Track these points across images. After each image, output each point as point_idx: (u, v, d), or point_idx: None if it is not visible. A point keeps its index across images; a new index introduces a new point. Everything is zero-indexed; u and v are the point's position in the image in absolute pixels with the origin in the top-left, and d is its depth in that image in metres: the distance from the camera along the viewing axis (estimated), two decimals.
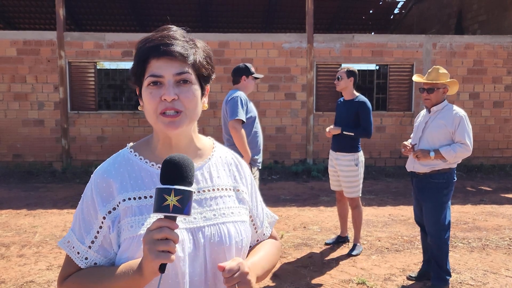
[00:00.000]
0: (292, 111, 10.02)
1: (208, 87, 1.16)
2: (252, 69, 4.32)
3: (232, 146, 4.03)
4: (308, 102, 9.96)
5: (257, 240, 1.31)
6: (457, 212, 6.38)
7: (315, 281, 3.97)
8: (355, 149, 4.63)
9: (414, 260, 4.45)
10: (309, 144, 10.04)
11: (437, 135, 3.66)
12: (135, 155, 1.15)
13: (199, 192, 1.13)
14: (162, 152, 1.13)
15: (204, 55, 1.11)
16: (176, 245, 0.95)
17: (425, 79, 3.73)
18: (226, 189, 1.18)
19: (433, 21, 15.11)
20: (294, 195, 7.74)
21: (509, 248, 4.85)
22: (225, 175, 1.20)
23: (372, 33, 17.85)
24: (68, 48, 9.57)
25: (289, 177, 9.33)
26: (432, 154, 3.59)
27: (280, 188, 8.39)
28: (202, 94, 1.13)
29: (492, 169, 9.97)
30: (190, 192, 0.93)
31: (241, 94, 4.09)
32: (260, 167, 4.31)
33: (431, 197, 3.68)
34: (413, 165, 3.79)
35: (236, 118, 3.95)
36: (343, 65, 5.65)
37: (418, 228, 4.72)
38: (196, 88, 1.09)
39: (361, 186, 4.68)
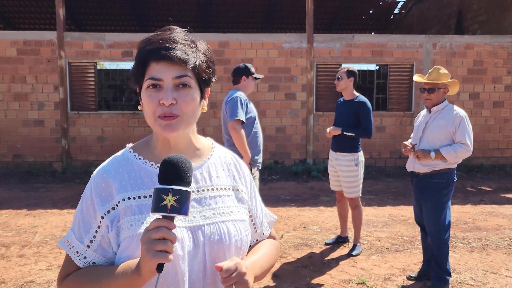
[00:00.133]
0: (292, 111, 10.02)
1: (208, 90, 1.16)
2: (252, 69, 4.31)
3: (232, 146, 4.03)
4: (308, 102, 9.97)
5: (256, 240, 1.31)
6: (457, 212, 6.38)
7: (315, 281, 3.97)
8: (355, 149, 4.63)
9: (414, 260, 4.45)
10: (309, 144, 10.04)
11: (438, 135, 3.66)
12: (135, 155, 1.15)
13: (198, 191, 1.14)
14: (161, 153, 1.14)
15: (205, 58, 1.11)
16: (176, 243, 0.95)
17: (426, 79, 3.73)
18: (225, 189, 1.19)
19: (433, 21, 15.11)
20: (294, 195, 7.74)
21: (509, 248, 4.85)
22: (224, 175, 1.21)
23: (372, 33, 17.85)
24: (68, 48, 9.57)
25: (289, 177, 9.33)
26: (432, 154, 3.59)
27: (280, 188, 8.39)
28: (202, 97, 1.13)
29: (492, 169, 9.97)
30: (188, 192, 0.93)
31: (241, 95, 4.08)
32: (260, 167, 4.31)
33: (431, 197, 3.68)
34: (413, 165, 3.79)
35: (236, 118, 3.95)
36: (343, 65, 5.65)
37: (418, 228, 4.72)
38: (195, 92, 1.09)
39: (361, 186, 4.68)
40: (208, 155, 1.21)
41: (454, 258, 4.48)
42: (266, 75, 9.63)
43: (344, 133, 4.57)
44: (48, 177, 9.15)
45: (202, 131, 9.35)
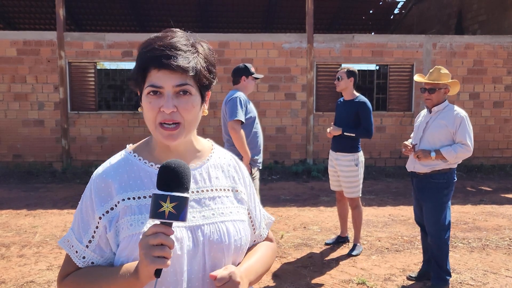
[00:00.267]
0: (292, 111, 10.02)
1: (209, 93, 1.16)
2: (252, 69, 4.30)
3: (232, 146, 4.03)
4: (308, 102, 9.97)
5: (254, 241, 1.32)
6: (457, 212, 6.38)
7: (315, 281, 3.97)
8: (355, 149, 4.63)
9: (414, 260, 4.45)
10: (309, 144, 10.04)
11: (438, 135, 3.66)
12: (135, 155, 1.16)
13: (197, 192, 1.14)
14: (161, 154, 1.15)
15: (206, 63, 1.11)
16: (175, 243, 0.95)
17: (427, 79, 3.73)
18: (224, 190, 1.19)
19: (433, 21, 15.11)
20: (294, 195, 7.74)
21: (509, 248, 4.85)
22: (223, 176, 1.21)
23: (372, 33, 17.85)
24: (68, 48, 9.57)
25: (289, 177, 9.33)
26: (433, 154, 3.59)
27: (280, 188, 8.39)
28: (203, 101, 1.13)
29: (492, 169, 9.97)
30: (186, 199, 0.94)
31: (240, 95, 4.08)
32: (260, 167, 4.30)
33: (431, 197, 3.68)
34: (413, 165, 3.79)
35: (235, 118, 3.95)
36: (343, 65, 5.65)
37: (418, 228, 4.72)
38: (196, 98, 1.09)
39: (361, 186, 4.68)
40: (207, 156, 1.21)
41: (454, 258, 4.48)
42: (266, 75, 9.63)
43: (345, 133, 4.57)
44: (48, 177, 9.15)
45: (202, 132, 9.36)
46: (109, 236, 1.09)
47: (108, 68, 14.77)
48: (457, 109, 3.68)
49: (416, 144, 3.80)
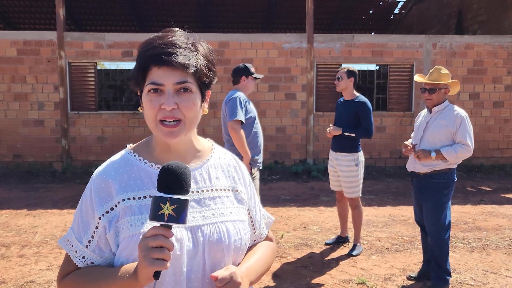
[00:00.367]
0: (292, 111, 10.02)
1: (209, 92, 1.16)
2: (252, 69, 4.30)
3: (232, 146, 4.03)
4: (308, 102, 9.97)
5: (254, 241, 1.32)
6: (457, 212, 6.38)
7: (315, 281, 3.97)
8: (355, 149, 4.63)
9: (414, 260, 4.45)
10: (309, 144, 10.04)
11: (438, 135, 3.66)
12: (135, 156, 1.16)
13: (197, 192, 1.14)
14: (161, 154, 1.15)
15: (206, 62, 1.11)
16: (175, 243, 0.95)
17: (427, 79, 3.73)
18: (224, 190, 1.19)
19: (433, 21, 15.11)
20: (294, 195, 7.74)
21: (509, 248, 4.85)
22: (223, 176, 1.21)
23: (372, 33, 17.85)
24: (68, 48, 9.57)
25: (289, 177, 9.33)
26: (433, 154, 3.59)
27: (280, 188, 8.39)
28: (203, 100, 1.14)
29: (492, 169, 9.97)
30: (186, 201, 0.94)
31: (240, 95, 4.08)
32: (260, 167, 4.30)
33: (431, 197, 3.68)
34: (413, 165, 3.79)
35: (235, 119, 3.95)
36: (343, 65, 5.65)
37: (418, 228, 4.72)
38: (196, 96, 1.09)
39: (361, 186, 4.68)
40: (207, 156, 1.21)
41: (454, 258, 4.48)
42: (266, 75, 9.63)
43: (345, 133, 4.57)
44: (48, 177, 9.15)
45: (202, 131, 9.36)
46: (108, 236, 1.09)
47: (108, 68, 14.76)
48: (457, 109, 3.68)
49: (416, 144, 3.80)
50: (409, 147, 3.80)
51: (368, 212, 6.33)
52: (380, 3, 15.89)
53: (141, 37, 9.42)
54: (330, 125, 4.80)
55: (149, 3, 14.87)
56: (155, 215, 0.92)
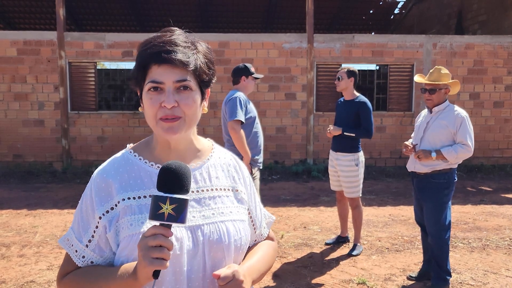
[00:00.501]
0: (292, 111, 10.02)
1: (208, 90, 1.17)
2: (252, 69, 4.30)
3: (232, 146, 4.03)
4: (308, 102, 9.97)
5: (255, 241, 1.32)
6: (457, 212, 6.38)
7: (315, 281, 3.97)
8: (355, 149, 4.63)
9: (414, 260, 4.45)
10: (309, 144, 10.04)
11: (439, 135, 3.66)
12: (135, 155, 1.16)
13: (197, 191, 1.14)
14: (161, 154, 1.15)
15: (205, 60, 1.11)
16: (175, 242, 0.95)
17: (427, 80, 3.72)
18: (224, 189, 1.19)
19: (433, 21, 15.11)
20: (294, 195, 7.74)
21: (509, 248, 4.85)
22: (223, 176, 1.21)
23: (372, 33, 17.85)
24: (68, 48, 9.58)
25: (289, 177, 9.33)
26: (433, 154, 3.59)
27: (281, 188, 8.39)
28: (203, 98, 1.14)
29: (492, 169, 9.97)
30: (186, 201, 0.94)
31: (240, 95, 4.08)
32: (261, 167, 4.30)
33: (431, 197, 3.67)
34: (414, 165, 3.79)
35: (235, 119, 3.95)
36: (343, 65, 5.64)
37: (418, 228, 4.72)
38: (196, 94, 1.10)
39: (361, 186, 4.68)
40: (208, 156, 1.22)
41: (455, 258, 4.48)
42: (266, 75, 9.63)
43: (345, 133, 4.57)
44: (49, 177, 9.15)
45: (203, 131, 9.36)
46: (109, 236, 1.09)
47: (108, 68, 14.78)
48: (458, 109, 3.68)
49: (417, 144, 3.80)
50: (410, 147, 3.80)
51: (368, 212, 6.33)
52: (380, 3, 15.89)
53: (141, 37, 9.42)
54: (330, 125, 4.80)
55: (149, 3, 14.87)
56: (155, 214, 0.92)
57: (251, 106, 4.19)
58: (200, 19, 16.10)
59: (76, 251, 1.12)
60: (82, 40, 9.65)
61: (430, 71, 3.79)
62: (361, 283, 3.88)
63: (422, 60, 10.04)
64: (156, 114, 1.07)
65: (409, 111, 10.18)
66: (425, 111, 3.91)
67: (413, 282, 3.92)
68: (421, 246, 4.23)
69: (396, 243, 5.01)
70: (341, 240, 4.99)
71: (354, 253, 4.60)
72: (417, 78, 3.84)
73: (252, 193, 1.29)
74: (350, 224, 5.18)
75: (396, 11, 16.79)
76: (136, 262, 0.99)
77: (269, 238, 1.37)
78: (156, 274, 0.93)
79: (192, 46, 1.09)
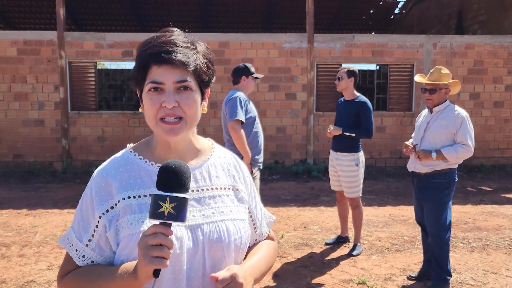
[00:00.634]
0: (293, 111, 10.01)
1: (208, 90, 1.17)
2: (252, 69, 4.30)
3: (232, 146, 4.03)
4: (308, 102, 9.96)
5: (255, 240, 1.32)
6: (457, 212, 6.38)
7: (315, 281, 3.97)
8: (355, 149, 4.62)
9: (414, 260, 4.45)
10: (310, 144, 10.03)
11: (439, 135, 3.66)
12: (135, 155, 1.16)
13: (197, 190, 1.14)
14: (161, 153, 1.16)
15: (205, 60, 1.12)
16: (175, 241, 0.95)
17: (427, 80, 3.72)
18: (224, 189, 1.19)
19: (434, 21, 15.11)
20: (294, 195, 7.74)
21: (510, 248, 4.85)
22: (223, 175, 1.21)
23: (373, 33, 17.85)
24: (68, 48, 9.58)
25: (289, 177, 9.33)
26: (434, 154, 3.59)
27: (281, 188, 8.39)
28: (202, 98, 1.14)
29: (493, 169, 9.97)
30: (185, 200, 0.94)
31: (240, 95, 4.08)
32: (261, 167, 4.30)
33: (432, 197, 3.67)
34: (414, 165, 3.79)
35: (235, 118, 3.95)
36: (344, 65, 5.64)
37: (418, 228, 4.72)
38: (196, 94, 1.10)
39: (361, 186, 4.67)
40: (208, 155, 1.22)
41: (455, 258, 4.48)
42: (267, 75, 9.63)
43: (345, 133, 4.57)
44: (49, 177, 9.15)
45: (203, 131, 9.36)
46: (109, 235, 1.09)
47: (109, 68, 14.78)
48: (458, 109, 3.68)
49: (417, 144, 3.80)
50: (410, 147, 3.80)
51: (369, 212, 6.33)
52: (380, 3, 15.89)
53: (141, 37, 9.42)
54: (330, 125, 4.80)
55: (149, 3, 14.87)
56: (155, 213, 0.92)
57: (251, 106, 4.19)
58: (200, 19, 16.10)
59: (76, 250, 1.12)
60: (82, 40, 9.65)
61: (431, 71, 3.79)
62: (361, 283, 3.88)
63: (422, 60, 10.04)
64: (156, 114, 1.07)
65: (409, 111, 10.18)
66: (425, 111, 3.91)
67: (413, 282, 3.92)
68: (421, 246, 4.23)
69: (396, 243, 5.01)
70: (341, 240, 4.99)
71: (354, 253, 4.60)
72: (418, 78, 3.84)
73: (252, 193, 1.29)
74: (350, 224, 5.18)
75: (396, 11, 16.79)
76: (136, 261, 0.99)
77: (269, 237, 1.37)
78: (156, 273, 0.93)
79: (191, 46, 1.09)
